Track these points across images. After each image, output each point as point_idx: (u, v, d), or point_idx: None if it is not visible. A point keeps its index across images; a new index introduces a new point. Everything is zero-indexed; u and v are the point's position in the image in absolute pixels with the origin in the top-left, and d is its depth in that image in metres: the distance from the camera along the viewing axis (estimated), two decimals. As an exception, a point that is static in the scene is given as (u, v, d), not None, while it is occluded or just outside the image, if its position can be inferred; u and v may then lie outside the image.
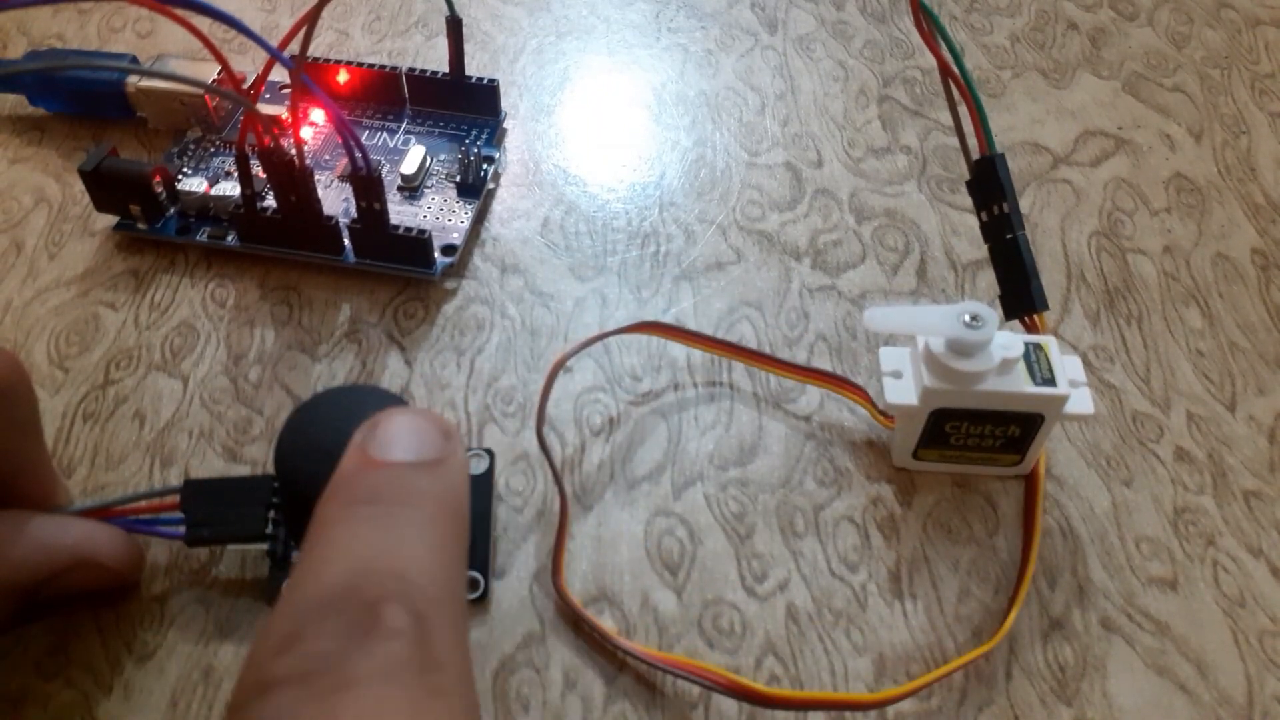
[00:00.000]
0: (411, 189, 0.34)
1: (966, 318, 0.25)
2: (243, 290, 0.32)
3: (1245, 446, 0.29)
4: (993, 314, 0.25)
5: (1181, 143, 0.38)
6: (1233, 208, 0.35)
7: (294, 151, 0.29)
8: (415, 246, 0.31)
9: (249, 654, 0.15)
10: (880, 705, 0.24)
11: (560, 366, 0.28)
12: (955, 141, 0.37)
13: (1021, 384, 0.25)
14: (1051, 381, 0.25)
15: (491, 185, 0.35)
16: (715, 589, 0.26)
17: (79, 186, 0.34)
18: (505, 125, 0.37)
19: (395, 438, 0.18)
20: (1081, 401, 0.26)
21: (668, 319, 0.32)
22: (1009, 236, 0.27)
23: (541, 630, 0.25)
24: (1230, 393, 0.30)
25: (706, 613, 0.26)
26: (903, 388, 0.26)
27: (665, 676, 0.24)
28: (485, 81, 0.36)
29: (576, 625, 0.25)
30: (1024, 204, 0.35)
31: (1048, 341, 0.26)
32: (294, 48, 0.28)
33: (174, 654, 0.24)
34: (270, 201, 0.31)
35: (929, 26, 0.26)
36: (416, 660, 0.15)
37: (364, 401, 0.21)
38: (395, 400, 0.22)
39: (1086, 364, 0.31)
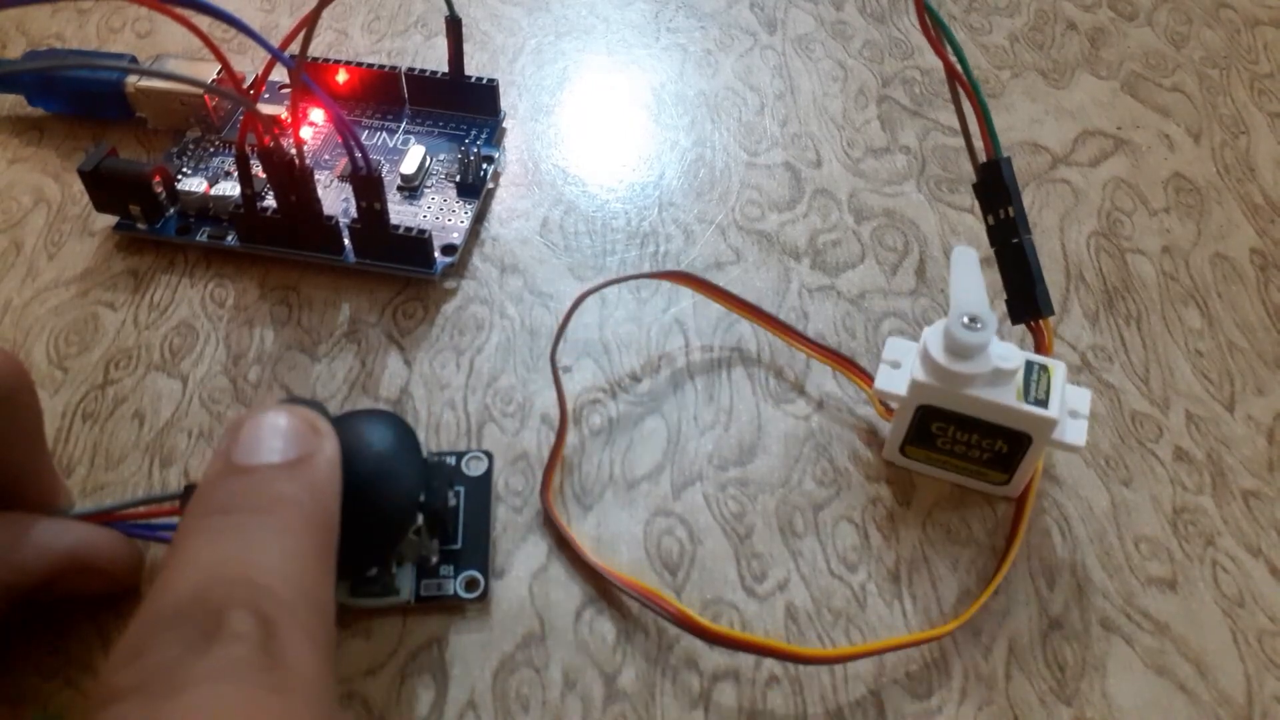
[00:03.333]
0: (411, 189, 0.34)
1: (965, 318, 0.24)
2: (242, 290, 0.32)
3: (1244, 446, 0.29)
4: (994, 319, 0.24)
5: (1180, 143, 0.38)
6: (1231, 208, 0.35)
7: (294, 151, 0.29)
8: (415, 246, 0.31)
9: (101, 671, 0.15)
10: (825, 662, 0.24)
11: (581, 301, 0.29)
12: (954, 141, 0.37)
13: (1010, 398, 0.25)
14: (1044, 404, 0.25)
15: (491, 185, 0.35)
16: (715, 589, 0.26)
17: (78, 186, 0.34)
18: (504, 125, 0.37)
19: (258, 440, 0.18)
20: (1074, 432, 0.25)
21: (667, 319, 0.32)
22: (1015, 241, 0.26)
23: (541, 630, 0.25)
24: (1229, 393, 0.30)
25: (706, 612, 0.26)
26: (896, 377, 0.26)
27: (665, 679, 0.24)
28: (484, 81, 0.36)
29: (560, 543, 0.26)
30: (1023, 204, 0.35)
31: (1056, 366, 0.25)
32: (294, 48, 0.28)
33: (174, 654, 0.24)
34: (270, 201, 0.31)
35: (934, 28, 0.25)
36: (258, 661, 0.15)
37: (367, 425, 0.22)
38: (401, 425, 0.23)
39: (1085, 364, 0.31)
